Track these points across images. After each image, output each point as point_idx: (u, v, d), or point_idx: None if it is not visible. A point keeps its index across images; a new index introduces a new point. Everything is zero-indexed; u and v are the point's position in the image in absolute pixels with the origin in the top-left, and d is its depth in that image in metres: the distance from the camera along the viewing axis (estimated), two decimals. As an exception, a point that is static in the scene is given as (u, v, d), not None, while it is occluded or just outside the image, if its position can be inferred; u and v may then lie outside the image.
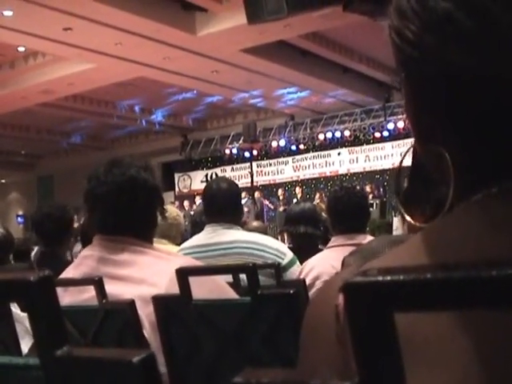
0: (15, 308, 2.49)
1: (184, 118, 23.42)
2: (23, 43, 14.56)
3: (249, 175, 17.23)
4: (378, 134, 20.17)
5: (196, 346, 2.05)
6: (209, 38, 14.16)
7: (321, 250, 4.08)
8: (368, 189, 17.84)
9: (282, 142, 21.55)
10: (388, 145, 20.29)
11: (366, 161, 21.04)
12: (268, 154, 22.29)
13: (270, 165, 22.67)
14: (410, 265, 0.44)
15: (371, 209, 13.15)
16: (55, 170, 26.89)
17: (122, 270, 2.16)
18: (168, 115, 22.80)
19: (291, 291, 1.97)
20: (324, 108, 21.23)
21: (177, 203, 19.67)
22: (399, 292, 0.42)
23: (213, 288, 2.18)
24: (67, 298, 2.18)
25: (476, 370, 0.54)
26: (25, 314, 2.57)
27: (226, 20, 13.71)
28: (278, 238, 12.94)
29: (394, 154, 19.89)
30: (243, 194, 13.93)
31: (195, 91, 19.66)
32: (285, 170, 22.49)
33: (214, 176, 20.79)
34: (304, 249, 4.16)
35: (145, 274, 2.14)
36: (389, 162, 20.04)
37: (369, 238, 3.68)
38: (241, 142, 20.71)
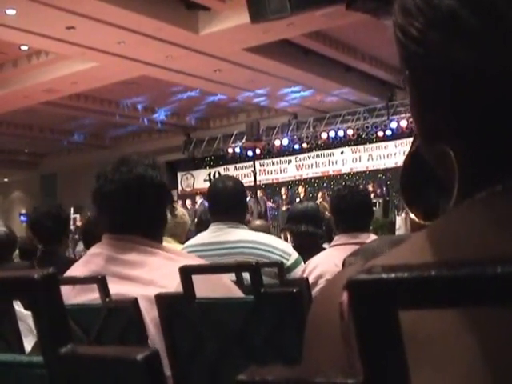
0: (19, 306, 2.50)
1: (187, 117, 23.41)
2: (26, 42, 14.56)
3: (252, 174, 17.23)
4: (380, 133, 20.16)
5: (199, 345, 2.05)
6: (212, 37, 14.15)
7: (322, 249, 4.09)
8: (371, 188, 17.82)
9: (285, 141, 21.54)
10: (391, 144, 20.28)
11: (368, 160, 21.02)
12: (271, 152, 22.27)
13: (273, 164, 22.67)
14: (415, 262, 0.44)
15: (374, 208, 13.14)
16: (58, 168, 26.91)
17: (130, 270, 2.16)
18: (171, 114, 22.79)
19: (294, 290, 1.97)
20: (327, 107, 21.21)
21: (180, 202, 19.66)
22: (403, 289, 0.42)
23: (220, 289, 2.18)
24: (77, 296, 2.18)
25: (480, 367, 0.54)
26: (28, 313, 2.57)
27: (228, 19, 13.70)
28: (280, 237, 12.96)
29: (396, 153, 19.88)
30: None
31: (198, 90, 19.65)
32: (288, 169, 22.48)
33: (216, 175, 20.80)
34: (305, 248, 4.16)
35: (154, 276, 2.13)
36: (392, 161, 20.03)
37: (372, 236, 3.67)
38: (244, 140, 20.70)
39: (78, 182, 22.65)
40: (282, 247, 3.49)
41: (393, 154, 20.15)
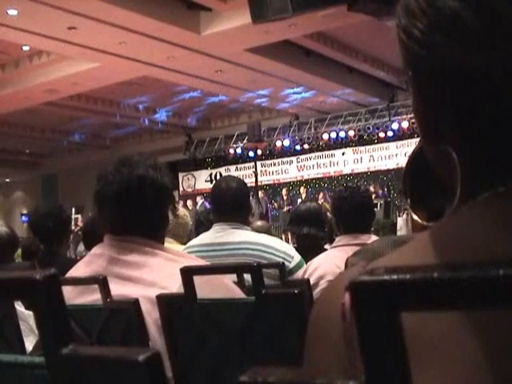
0: (20, 306, 2.50)
1: (188, 118, 23.42)
2: (28, 42, 14.57)
3: (253, 175, 17.25)
4: (382, 134, 20.17)
5: (200, 346, 2.05)
6: (213, 38, 14.15)
7: (324, 250, 4.08)
8: (372, 189, 17.82)
9: (287, 142, 21.54)
10: (392, 145, 20.28)
11: (370, 161, 21.02)
12: (272, 153, 22.29)
13: (275, 164, 22.68)
14: (417, 264, 0.44)
15: (375, 209, 13.13)
16: (59, 169, 26.93)
17: (132, 271, 2.15)
18: (172, 114, 22.80)
19: (295, 291, 1.97)
20: (328, 108, 21.22)
21: (181, 203, 19.66)
22: (406, 291, 0.42)
23: (221, 290, 2.17)
24: (78, 297, 2.17)
25: (483, 369, 0.54)
26: (29, 313, 2.57)
27: (230, 19, 13.71)
28: (281, 238, 12.97)
29: (398, 154, 19.88)
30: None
31: (199, 90, 19.66)
32: (289, 170, 22.49)
33: (218, 176, 20.81)
34: (307, 249, 4.15)
35: (156, 277, 2.13)
36: (393, 162, 20.03)
37: (373, 237, 3.67)
38: (245, 141, 20.73)
39: (79, 183, 22.68)
40: (284, 249, 3.48)
41: (394, 155, 20.15)
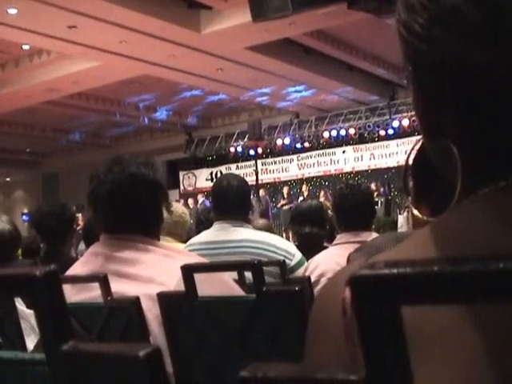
0: (21, 305, 2.50)
1: (189, 116, 23.43)
2: (28, 41, 14.57)
3: (253, 173, 17.24)
4: (382, 132, 20.16)
5: (201, 343, 2.05)
6: (213, 36, 14.15)
7: (324, 248, 4.08)
8: (373, 187, 17.81)
9: (287, 140, 21.54)
10: (393, 143, 20.26)
11: (370, 159, 21.01)
12: (273, 151, 22.28)
13: (275, 163, 22.66)
14: (417, 258, 0.44)
15: (376, 207, 13.14)
16: (60, 168, 26.93)
17: (128, 267, 2.16)
18: (173, 113, 22.81)
19: (296, 288, 1.97)
20: (329, 106, 21.21)
21: (182, 201, 19.66)
22: (406, 285, 0.42)
23: (221, 287, 2.18)
24: (76, 295, 2.18)
25: (484, 363, 0.54)
26: (30, 311, 2.57)
27: (230, 18, 13.71)
28: (282, 236, 12.96)
29: (398, 152, 19.85)
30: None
31: (200, 89, 19.67)
32: (290, 168, 22.48)
33: (218, 174, 20.79)
34: (309, 248, 4.15)
35: (152, 273, 2.14)
36: (394, 160, 20.02)
37: (374, 235, 3.67)
38: (246, 139, 20.72)
39: (80, 182, 22.62)
40: (285, 247, 3.48)
41: (395, 153, 20.13)
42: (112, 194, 2.24)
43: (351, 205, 3.65)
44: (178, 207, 4.27)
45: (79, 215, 20.46)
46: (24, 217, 25.96)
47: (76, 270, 2.32)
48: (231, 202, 3.50)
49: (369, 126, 20.26)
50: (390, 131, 19.91)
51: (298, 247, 3.87)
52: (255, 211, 16.39)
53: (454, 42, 0.61)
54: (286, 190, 20.49)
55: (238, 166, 22.76)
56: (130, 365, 0.56)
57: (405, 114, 19.00)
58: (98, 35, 13.57)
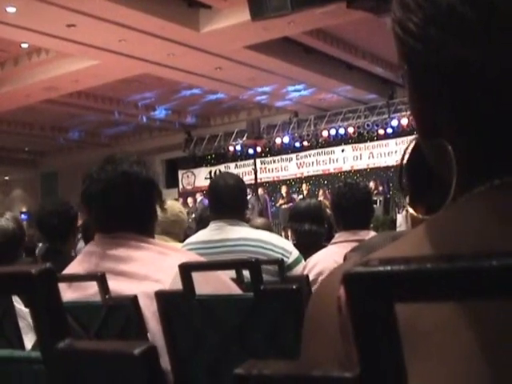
0: (19, 304, 2.50)
1: (188, 115, 23.43)
2: (27, 40, 14.57)
3: (252, 172, 17.25)
4: (381, 131, 20.17)
5: (199, 342, 2.05)
6: (212, 35, 14.16)
7: (323, 247, 4.08)
8: (372, 185, 17.82)
9: (286, 139, 21.53)
10: (392, 142, 20.26)
11: (369, 158, 21.02)
12: (272, 150, 22.28)
13: (274, 162, 22.66)
14: (411, 255, 0.44)
15: (375, 205, 13.15)
16: (59, 166, 26.91)
17: (124, 265, 2.16)
18: (172, 112, 22.81)
19: (294, 287, 1.97)
20: (328, 105, 21.22)
21: (181, 200, 19.66)
22: (400, 282, 0.42)
23: (218, 285, 2.18)
24: (72, 293, 2.18)
25: (478, 360, 0.54)
26: (28, 310, 2.57)
27: (229, 17, 13.72)
28: (281, 235, 12.97)
29: (397, 151, 19.84)
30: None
31: (199, 88, 19.67)
32: (288, 167, 22.48)
33: (217, 173, 20.77)
34: (308, 246, 4.15)
35: (148, 270, 2.14)
36: (392, 159, 20.00)
37: (372, 233, 3.68)
38: (245, 138, 20.72)
39: (79, 181, 22.49)
40: (282, 245, 3.48)
41: (393, 152, 20.12)
42: (105, 192, 2.24)
43: (350, 203, 3.66)
44: (174, 206, 4.22)
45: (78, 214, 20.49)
46: (22, 216, 25.95)
47: (72, 269, 2.32)
48: (228, 201, 3.50)
49: (368, 125, 20.27)
50: (389, 130, 19.92)
51: (297, 245, 3.87)
52: (254, 210, 16.41)
53: (448, 41, 0.61)
54: (284, 188, 20.48)
55: (236, 164, 22.76)
56: (125, 362, 0.56)
57: (404, 113, 18.99)
58: (97, 34, 13.57)
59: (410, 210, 0.73)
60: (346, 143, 21.26)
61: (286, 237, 12.66)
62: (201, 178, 23.62)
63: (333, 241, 3.80)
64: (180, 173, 24.38)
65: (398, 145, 19.87)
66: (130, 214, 2.26)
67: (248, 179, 18.46)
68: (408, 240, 0.68)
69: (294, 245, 3.86)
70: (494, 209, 0.62)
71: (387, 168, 20.11)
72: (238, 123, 22.44)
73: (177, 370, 2.04)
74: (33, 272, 0.59)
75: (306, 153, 22.02)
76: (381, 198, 17.68)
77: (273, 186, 22.18)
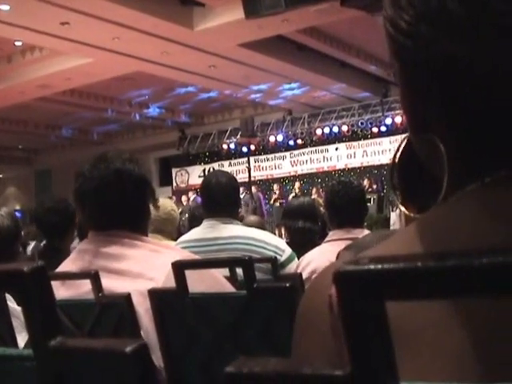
0: (12, 303, 2.49)
1: (181, 113, 23.41)
2: (20, 37, 14.53)
3: (246, 170, 17.25)
4: (375, 129, 20.19)
5: (192, 340, 2.05)
6: (206, 33, 14.14)
7: (317, 245, 4.09)
8: (365, 184, 17.84)
9: (280, 137, 21.54)
10: (386, 140, 20.28)
11: (363, 156, 21.03)
12: (265, 148, 22.28)
13: (268, 160, 22.67)
14: (402, 253, 0.44)
15: (368, 204, 13.16)
16: (53, 164, 26.87)
17: (117, 263, 2.16)
18: (166, 110, 22.79)
19: (287, 285, 1.97)
20: (322, 103, 21.23)
21: (174, 198, 19.64)
22: (390, 280, 0.42)
23: (211, 283, 2.18)
24: (65, 291, 2.18)
25: (470, 358, 0.54)
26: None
27: (223, 15, 13.70)
28: (275, 233, 12.97)
29: (391, 150, 19.84)
30: (241, 189, 13.96)
31: (193, 86, 19.65)
32: (282, 165, 22.49)
33: (211, 171, 20.76)
34: (301, 244, 4.15)
35: (141, 268, 2.14)
36: (386, 158, 20.00)
37: (366, 232, 3.68)
38: (238, 136, 20.73)
39: (73, 178, 22.58)
40: (275, 243, 3.49)
41: (387, 150, 20.13)
42: (98, 190, 2.24)
43: (343, 202, 3.66)
44: (166, 203, 4.20)
45: (73, 212, 20.47)
46: (16, 213, 25.90)
47: (65, 267, 2.32)
48: (220, 199, 3.50)
49: (362, 123, 20.28)
50: (383, 128, 19.94)
51: (291, 243, 3.88)
52: (248, 208, 16.41)
53: (437, 37, 0.61)
54: (276, 186, 20.49)
55: (230, 162, 22.77)
56: (117, 360, 0.56)
57: (398, 111, 18.99)
58: (91, 32, 13.54)
59: (402, 209, 0.73)
60: (340, 141, 21.27)
61: (280, 235, 12.66)
62: (194, 176, 23.60)
63: (326, 239, 3.81)
64: (174, 171, 24.36)
65: (391, 143, 19.88)
66: (123, 211, 2.26)
67: (242, 177, 18.46)
68: (399, 238, 0.68)
69: (288, 243, 3.86)
70: (486, 207, 0.63)
71: (381, 166, 20.13)
72: (231, 121, 22.43)
73: (170, 367, 2.04)
74: (25, 270, 0.59)
75: (300, 151, 22.02)
76: (375, 197, 17.71)
77: (266, 184, 22.19)
